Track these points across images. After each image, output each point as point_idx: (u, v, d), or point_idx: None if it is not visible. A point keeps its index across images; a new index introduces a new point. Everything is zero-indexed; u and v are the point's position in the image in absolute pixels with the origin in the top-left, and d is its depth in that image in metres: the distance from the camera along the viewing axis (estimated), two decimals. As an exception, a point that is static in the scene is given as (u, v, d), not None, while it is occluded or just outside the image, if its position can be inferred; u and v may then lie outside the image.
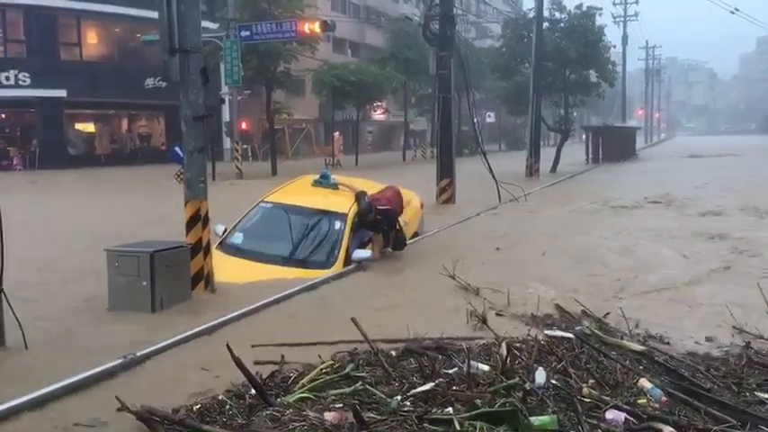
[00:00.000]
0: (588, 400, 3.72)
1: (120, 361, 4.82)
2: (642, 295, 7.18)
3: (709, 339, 5.51)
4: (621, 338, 5.15)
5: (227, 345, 3.92)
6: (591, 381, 4.08)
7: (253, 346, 5.00)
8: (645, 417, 3.57)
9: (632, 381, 4.12)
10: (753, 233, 11.06)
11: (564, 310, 6.10)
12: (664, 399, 3.89)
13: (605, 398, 3.77)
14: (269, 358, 4.78)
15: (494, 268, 8.56)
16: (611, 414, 3.57)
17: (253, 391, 3.93)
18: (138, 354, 4.98)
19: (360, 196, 8.80)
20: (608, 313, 5.99)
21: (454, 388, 3.86)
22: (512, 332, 5.31)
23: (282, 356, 4.72)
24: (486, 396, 3.65)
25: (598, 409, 3.65)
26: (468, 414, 3.42)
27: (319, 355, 4.65)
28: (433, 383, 3.90)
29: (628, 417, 3.55)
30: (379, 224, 8.83)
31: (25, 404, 4.11)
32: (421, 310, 6.44)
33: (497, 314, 6.12)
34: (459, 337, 5.22)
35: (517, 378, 3.87)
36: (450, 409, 3.54)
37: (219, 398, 3.96)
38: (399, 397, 3.73)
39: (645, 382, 4.06)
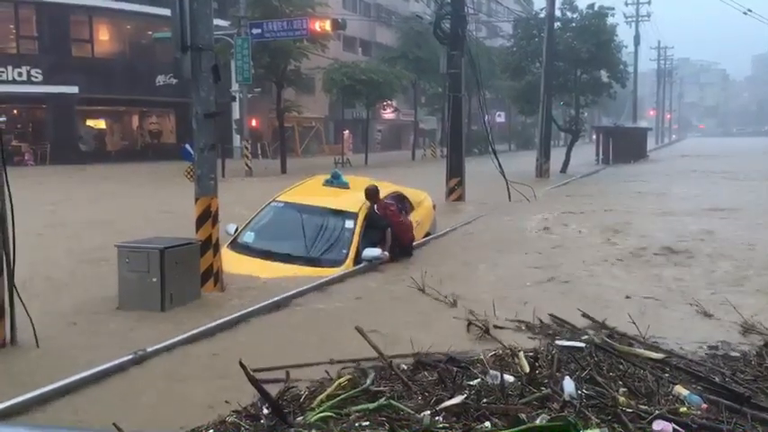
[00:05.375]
0: (630, 411, 3.52)
1: (130, 356, 4.83)
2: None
3: (714, 347, 5.44)
4: (632, 345, 5.02)
5: (240, 361, 3.65)
6: (622, 389, 3.90)
7: (255, 370, 4.38)
8: (694, 426, 3.38)
9: (667, 389, 3.94)
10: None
11: (561, 320, 5.86)
12: (704, 406, 3.73)
13: (643, 407, 3.59)
14: (270, 367, 4.61)
15: (483, 272, 8.49)
16: (658, 425, 3.36)
17: (265, 411, 3.70)
18: (149, 349, 5.00)
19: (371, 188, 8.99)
20: (605, 325, 5.74)
21: (485, 401, 3.64)
22: (511, 343, 5.05)
23: (288, 373, 4.49)
24: (524, 409, 3.46)
25: (640, 419, 3.45)
26: (515, 429, 3.20)
27: (326, 371, 4.44)
28: (463, 396, 3.65)
29: (676, 427, 3.36)
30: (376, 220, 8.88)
31: (35, 399, 4.13)
32: (420, 317, 6.29)
33: (495, 326, 5.75)
34: (465, 349, 5.02)
35: (549, 389, 3.71)
36: (487, 424, 3.34)
37: (230, 420, 3.70)
38: (428, 412, 3.50)
39: (681, 390, 3.89)
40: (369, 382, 3.97)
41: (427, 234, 10.62)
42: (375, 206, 8.90)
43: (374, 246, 8.60)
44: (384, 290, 7.39)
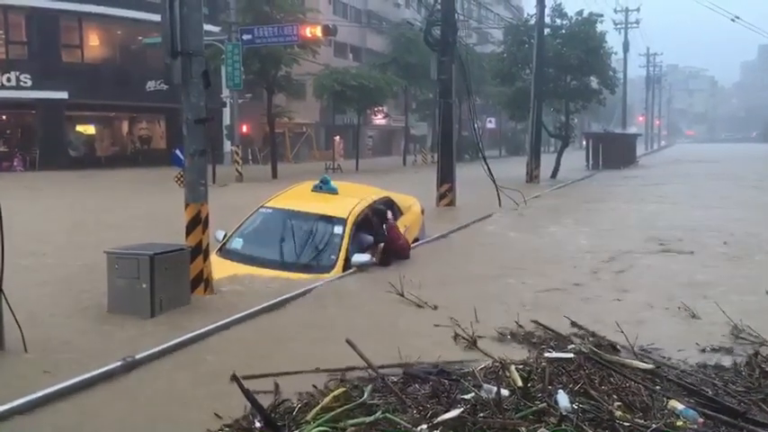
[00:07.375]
0: (627, 425, 3.52)
1: (119, 363, 4.81)
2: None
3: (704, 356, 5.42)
4: (619, 352, 5.03)
5: (234, 374, 3.61)
6: (617, 403, 3.87)
7: (244, 377, 4.11)
8: None
9: (661, 403, 3.92)
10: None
11: (546, 327, 5.79)
12: (700, 420, 3.72)
13: (639, 421, 3.57)
14: (257, 374, 4.54)
15: (472, 279, 8.49)
16: None
17: (258, 424, 3.62)
18: (138, 356, 4.98)
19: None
20: (594, 333, 5.70)
21: (481, 415, 3.60)
22: (497, 352, 5.00)
23: (277, 385, 4.39)
24: (522, 423, 3.44)
25: None
26: None
27: (314, 385, 4.34)
28: (460, 410, 3.61)
29: None
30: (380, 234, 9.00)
31: (22, 406, 4.10)
32: (407, 325, 6.26)
33: (479, 336, 5.60)
34: (453, 358, 4.98)
35: (544, 403, 3.69)
36: None
37: None
38: (425, 426, 3.45)
39: (676, 404, 3.87)
40: (366, 395, 3.89)
41: (416, 240, 10.61)
42: (385, 224, 9.06)
43: (363, 251, 8.61)
44: (372, 296, 7.39)
